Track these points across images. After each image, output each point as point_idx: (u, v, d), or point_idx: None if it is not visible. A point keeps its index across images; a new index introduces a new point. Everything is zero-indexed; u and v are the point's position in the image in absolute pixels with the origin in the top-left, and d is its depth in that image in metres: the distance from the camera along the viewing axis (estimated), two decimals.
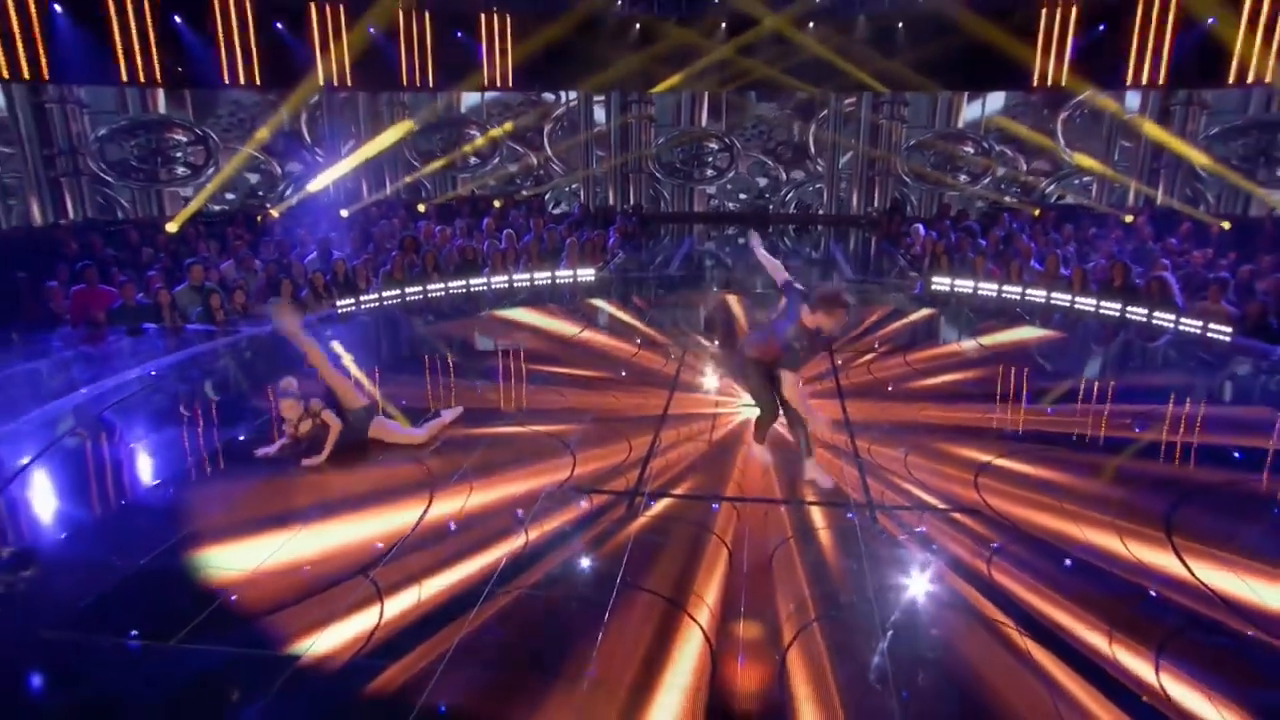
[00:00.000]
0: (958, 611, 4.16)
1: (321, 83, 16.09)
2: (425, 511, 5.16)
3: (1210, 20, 14.00)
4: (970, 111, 17.96)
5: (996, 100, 17.66)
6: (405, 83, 17.14)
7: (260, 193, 16.68)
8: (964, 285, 12.16)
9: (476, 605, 4.17)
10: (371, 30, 16.26)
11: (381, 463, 5.97)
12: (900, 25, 16.45)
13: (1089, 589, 4.33)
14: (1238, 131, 14.37)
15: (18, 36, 13.23)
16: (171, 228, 13.89)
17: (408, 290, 11.55)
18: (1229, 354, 8.96)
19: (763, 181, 19.47)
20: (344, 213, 15.22)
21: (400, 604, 4.18)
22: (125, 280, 10.24)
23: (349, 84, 16.54)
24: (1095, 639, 3.91)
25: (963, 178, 17.99)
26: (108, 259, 11.50)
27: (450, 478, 5.67)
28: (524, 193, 18.18)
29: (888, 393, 7.60)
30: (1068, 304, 11.01)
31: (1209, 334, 9.43)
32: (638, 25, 17.31)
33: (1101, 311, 10.56)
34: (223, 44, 14.95)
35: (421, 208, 16.51)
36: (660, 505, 5.31)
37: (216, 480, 5.68)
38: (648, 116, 18.90)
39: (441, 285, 11.82)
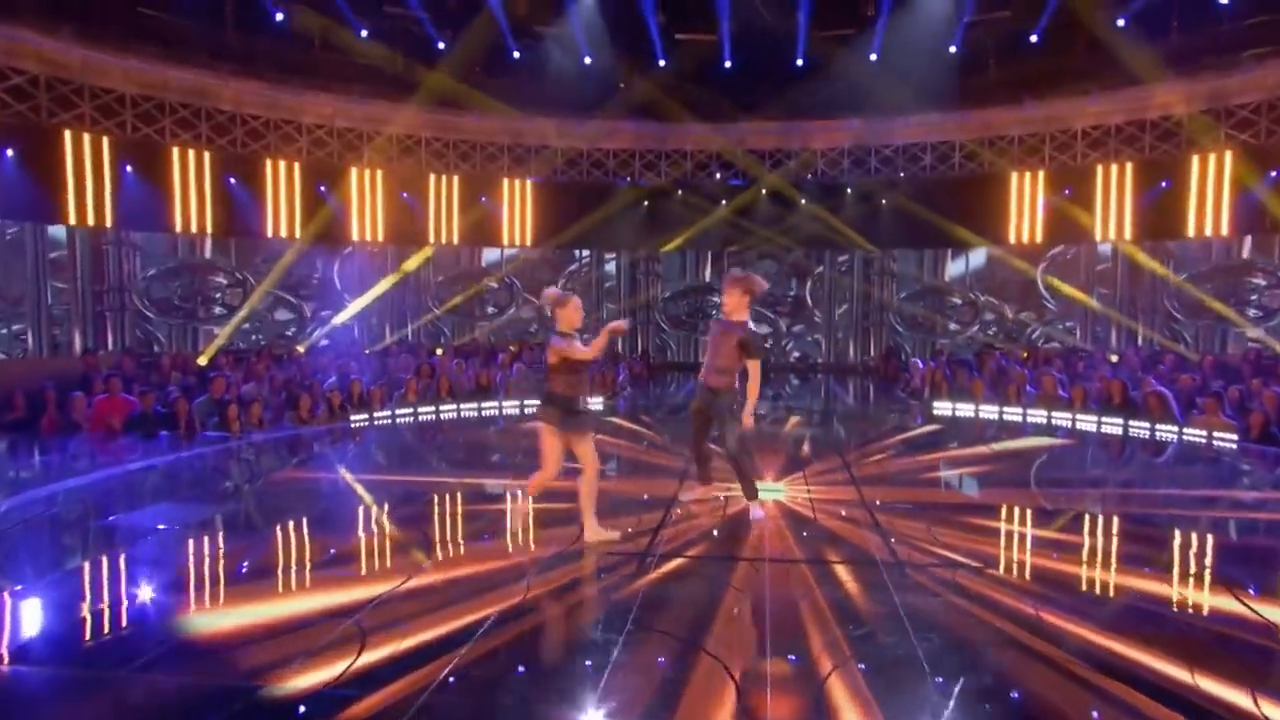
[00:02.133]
0: (1010, 649, 3.52)
1: (355, 238, 16.62)
2: (409, 576, 4.58)
3: (1164, 184, 14.56)
4: (954, 267, 18.37)
5: (979, 255, 18.10)
6: (431, 239, 17.74)
7: (289, 332, 16.78)
8: (965, 409, 11.83)
9: (470, 641, 3.54)
10: (404, 195, 17.01)
11: (381, 528, 5.44)
12: (884, 200, 17.09)
13: (1152, 629, 3.70)
14: (1204, 277, 14.55)
15: (89, 189, 13.79)
16: (202, 360, 13.80)
17: (420, 410, 11.24)
18: (1239, 459, 8.48)
19: (764, 330, 19.62)
20: (367, 350, 15.19)
21: (385, 645, 3.55)
22: (146, 390, 9.97)
23: (379, 238, 17.08)
24: (1175, 672, 3.27)
25: (952, 325, 18.09)
26: (134, 376, 11.29)
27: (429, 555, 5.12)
28: (537, 340, 18.28)
29: (903, 480, 7.22)
30: (1068, 421, 10.62)
31: (1213, 441, 8.98)
32: (647, 198, 18.05)
33: (1104, 427, 10.16)
34: (269, 200, 15.58)
35: (438, 351, 16.49)
36: (672, 564, 4.73)
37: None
38: (655, 272, 19.36)
39: (454, 407, 11.52)
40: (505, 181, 17.74)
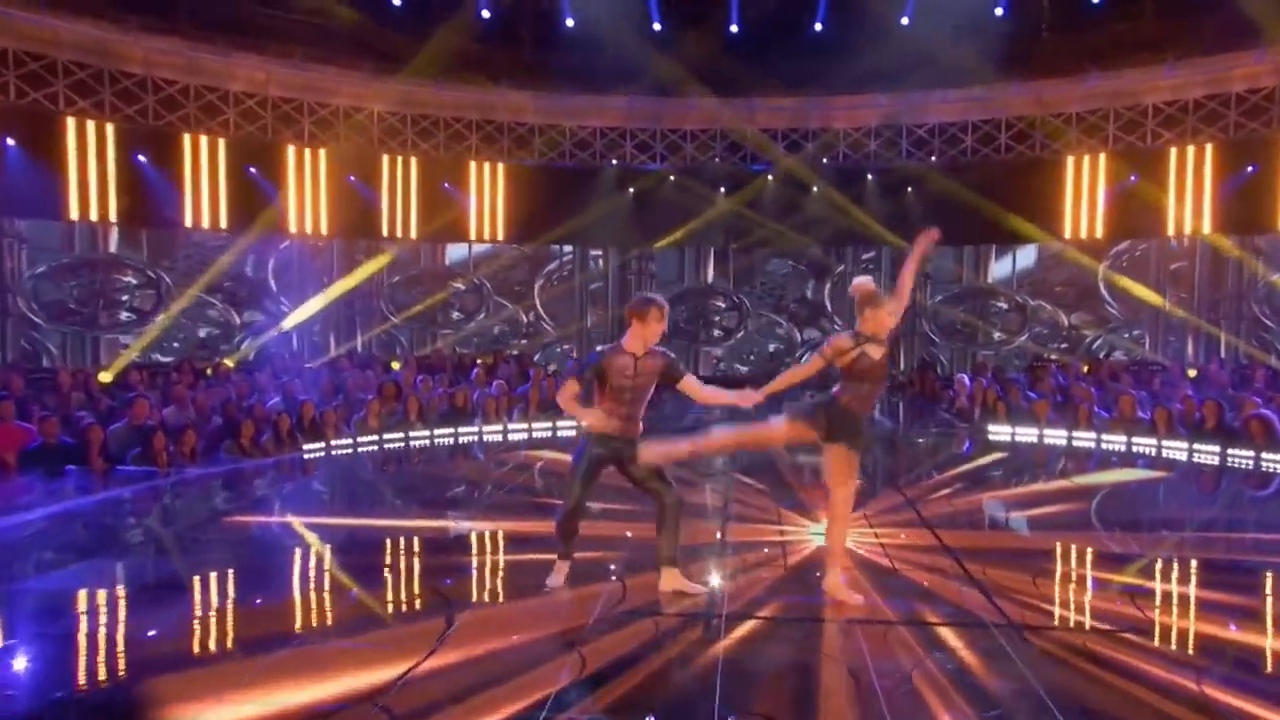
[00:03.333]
0: None
1: (293, 229, 16.38)
2: (443, 637, 4.44)
3: (1250, 169, 14.84)
4: (999, 268, 18.57)
5: (1028, 254, 18.31)
6: (386, 232, 17.54)
7: (209, 345, 16.46)
8: (1025, 433, 11.90)
9: None
10: (352, 179, 16.80)
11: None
12: (909, 189, 17.22)
13: None
14: None
15: None
16: (105, 376, 13.46)
17: (386, 438, 11.06)
18: None
19: (771, 347, 19.68)
20: (308, 365, 14.93)
21: None
22: (46, 415, 9.67)
23: (323, 231, 16.85)
24: None
25: (997, 334, 18.25)
26: (26, 397, 10.93)
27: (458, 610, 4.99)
28: (512, 351, 18.14)
29: (982, 521, 7.26)
30: (1152, 449, 10.72)
31: None
32: (639, 185, 18.01)
33: (1196, 456, 10.27)
34: (188, 183, 15.28)
35: (395, 365, 16.28)
36: (744, 627, 4.65)
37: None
38: (649, 272, 19.32)
39: (426, 433, 11.35)
40: (473, 165, 17.62)
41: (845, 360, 4.95)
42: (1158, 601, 5.26)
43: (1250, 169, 14.57)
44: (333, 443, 10.67)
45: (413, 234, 17.57)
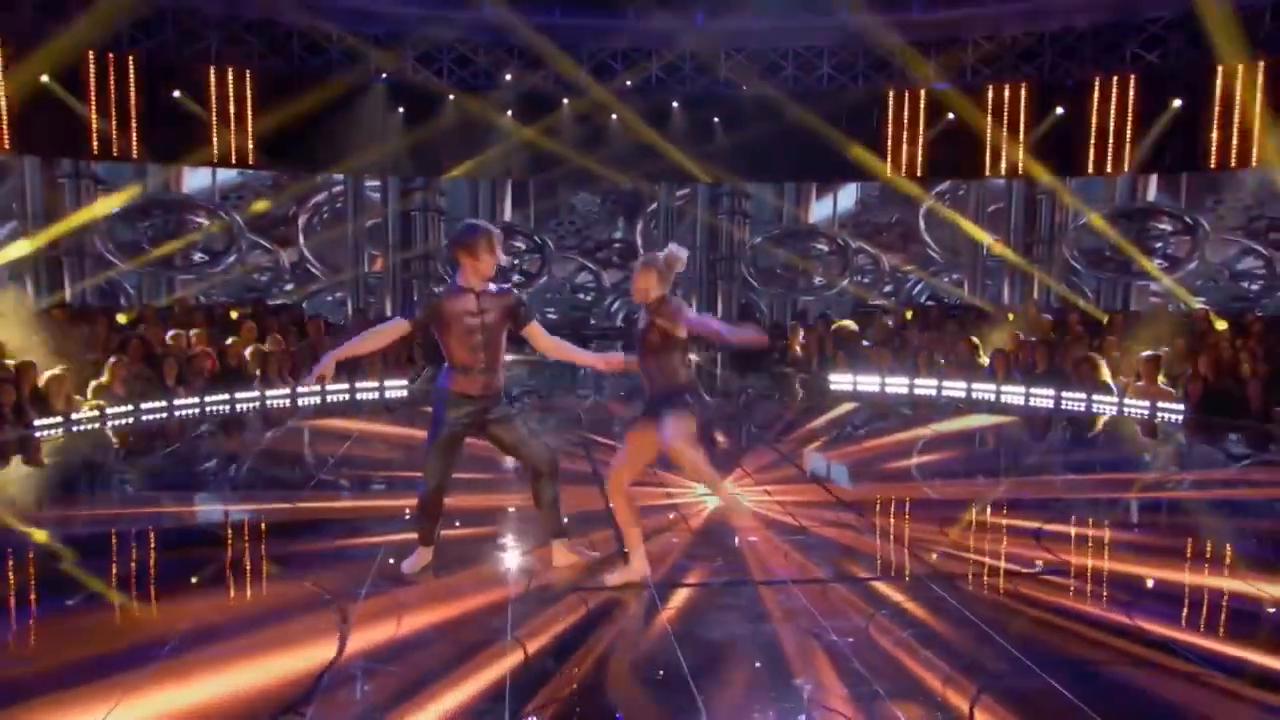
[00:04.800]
0: (1141, 666, 4.05)
1: None
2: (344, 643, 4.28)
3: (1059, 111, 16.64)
4: (820, 208, 19.73)
5: (849, 194, 19.59)
6: (96, 151, 15.93)
7: None
8: (866, 382, 12.86)
9: None
10: (45, 79, 15.09)
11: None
12: (717, 118, 17.83)
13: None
14: (1107, 220, 16.86)
15: None
16: None
17: (142, 408, 10.22)
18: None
19: (586, 282, 19.91)
20: None
21: None
22: None
23: (4, 146, 15.05)
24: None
25: (817, 278, 19.44)
26: None
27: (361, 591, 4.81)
28: (275, 301, 17.18)
29: (866, 474, 8.01)
30: (991, 394, 11.96)
31: (1158, 413, 10.60)
32: (418, 95, 17.41)
33: (1033, 400, 11.60)
34: None
35: (122, 318, 14.95)
36: (680, 596, 4.82)
37: None
38: (435, 208, 18.85)
39: (192, 401, 10.59)
40: (213, 71, 16.36)
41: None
42: (1068, 544, 5.95)
43: (1059, 111, 16.31)
44: (65, 417, 9.71)
45: (133, 154, 16.11)
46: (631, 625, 4.46)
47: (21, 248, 15.63)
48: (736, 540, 5.83)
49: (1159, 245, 16.63)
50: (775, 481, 7.41)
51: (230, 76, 16.55)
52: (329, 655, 4.03)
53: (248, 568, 5.34)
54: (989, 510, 6.77)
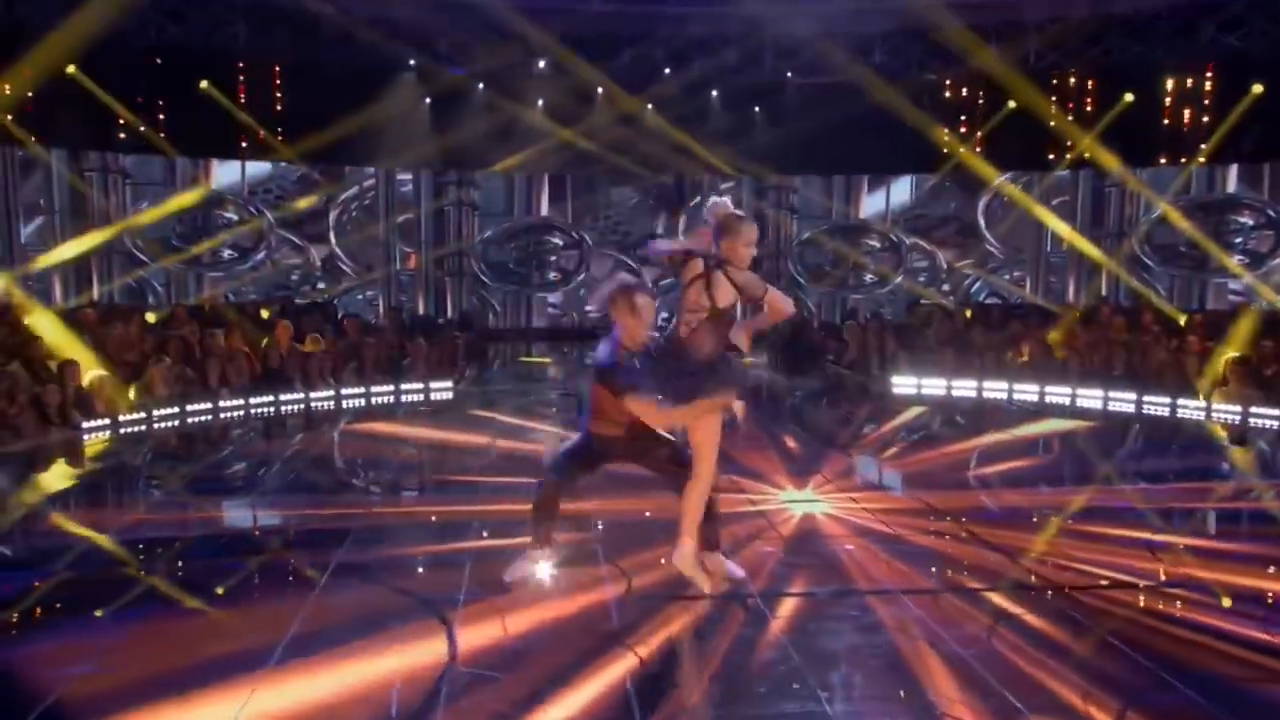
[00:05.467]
0: None
1: None
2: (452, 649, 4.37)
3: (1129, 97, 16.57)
4: (873, 202, 19.71)
5: (903, 188, 19.54)
6: (122, 142, 16.22)
7: None
8: (931, 386, 12.85)
9: None
10: (71, 69, 15.31)
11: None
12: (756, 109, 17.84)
13: None
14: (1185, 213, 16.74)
15: None
16: None
17: (187, 407, 10.40)
18: None
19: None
20: None
21: None
22: None
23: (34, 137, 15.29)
24: None
25: (869, 276, 19.42)
26: None
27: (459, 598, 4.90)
28: (301, 300, 17.34)
29: (951, 481, 8.08)
30: (1068, 397, 11.95)
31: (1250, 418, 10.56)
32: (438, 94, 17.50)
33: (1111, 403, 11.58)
34: None
35: (151, 317, 15.13)
36: (784, 606, 4.88)
37: None
38: (470, 202, 18.96)
39: (238, 402, 10.77)
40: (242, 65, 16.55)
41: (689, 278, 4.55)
42: (1184, 554, 5.94)
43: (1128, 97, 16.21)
44: (117, 419, 9.90)
45: (161, 147, 16.36)
46: (745, 633, 4.52)
47: (80, 244, 15.88)
48: (832, 548, 5.89)
49: (1239, 240, 16.51)
50: (859, 488, 7.47)
51: (257, 67, 16.75)
52: (440, 659, 4.16)
53: (338, 573, 5.42)
54: (1089, 519, 6.76)
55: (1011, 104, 16.98)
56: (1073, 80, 17.38)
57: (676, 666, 4.17)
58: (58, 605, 5.06)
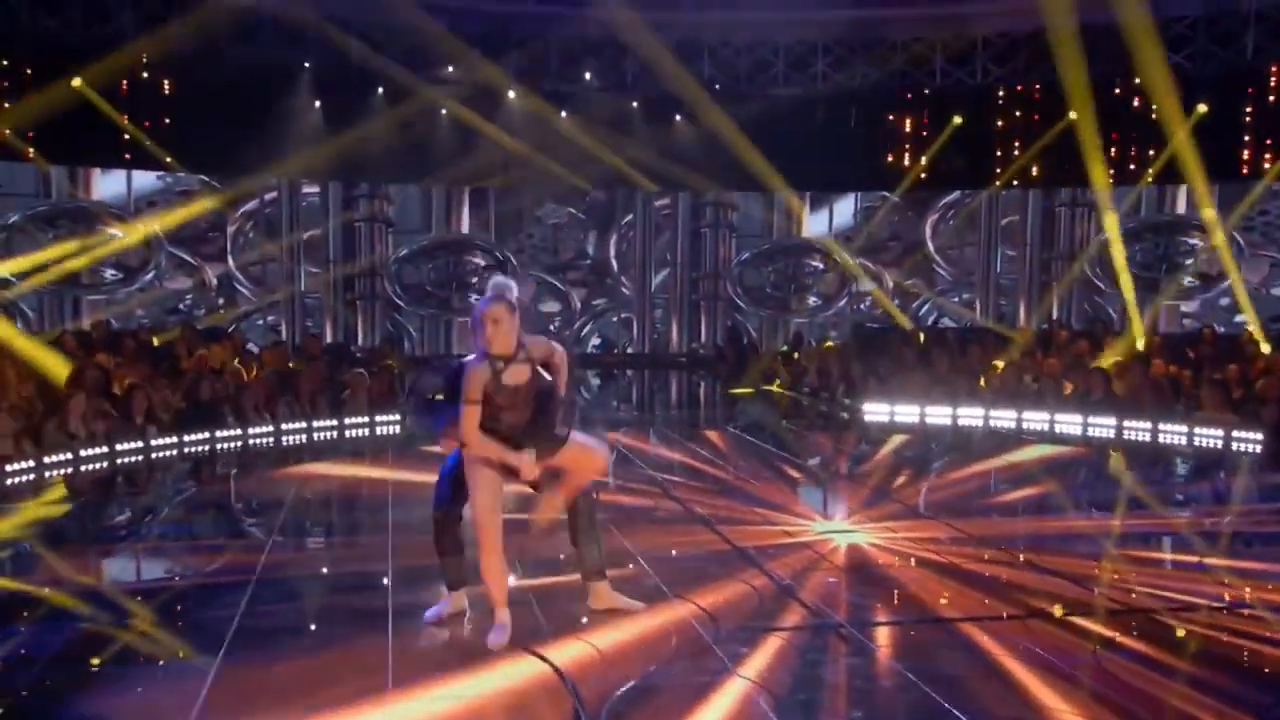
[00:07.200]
0: None
1: None
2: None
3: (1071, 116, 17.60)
4: (816, 221, 20.39)
5: (846, 205, 20.31)
6: None
7: None
8: (904, 412, 13.42)
9: None
10: None
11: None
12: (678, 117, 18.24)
13: None
14: (1134, 235, 17.87)
15: None
16: None
17: (112, 446, 10.20)
18: None
19: (554, 308, 20.15)
20: None
21: None
22: None
23: None
24: None
25: (811, 299, 20.05)
26: None
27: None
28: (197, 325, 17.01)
29: (980, 509, 8.73)
30: (1044, 423, 12.65)
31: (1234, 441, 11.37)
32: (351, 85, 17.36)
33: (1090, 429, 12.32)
34: None
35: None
36: (882, 635, 5.22)
37: None
38: (383, 218, 18.91)
39: (169, 441, 10.62)
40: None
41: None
42: (1237, 576, 6.50)
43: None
44: (45, 460, 9.66)
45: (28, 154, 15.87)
46: (857, 664, 4.81)
47: None
48: (894, 576, 6.28)
49: (1188, 262, 17.73)
50: (890, 518, 7.90)
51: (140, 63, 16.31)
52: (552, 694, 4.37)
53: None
54: (1132, 543, 7.33)
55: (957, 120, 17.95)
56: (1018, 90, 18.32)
57: (808, 697, 4.43)
58: None
